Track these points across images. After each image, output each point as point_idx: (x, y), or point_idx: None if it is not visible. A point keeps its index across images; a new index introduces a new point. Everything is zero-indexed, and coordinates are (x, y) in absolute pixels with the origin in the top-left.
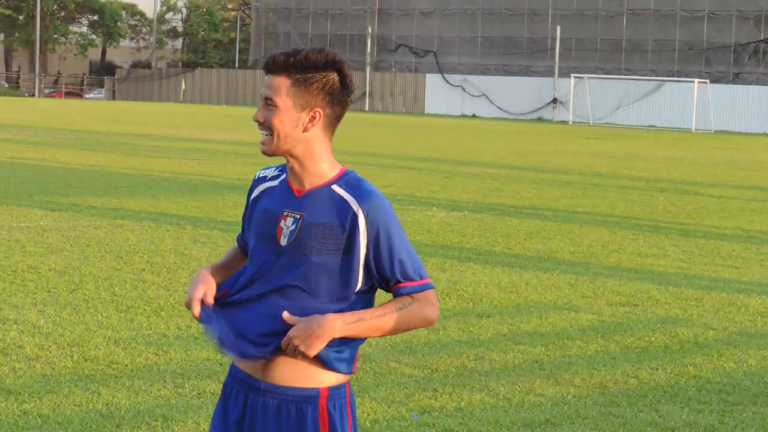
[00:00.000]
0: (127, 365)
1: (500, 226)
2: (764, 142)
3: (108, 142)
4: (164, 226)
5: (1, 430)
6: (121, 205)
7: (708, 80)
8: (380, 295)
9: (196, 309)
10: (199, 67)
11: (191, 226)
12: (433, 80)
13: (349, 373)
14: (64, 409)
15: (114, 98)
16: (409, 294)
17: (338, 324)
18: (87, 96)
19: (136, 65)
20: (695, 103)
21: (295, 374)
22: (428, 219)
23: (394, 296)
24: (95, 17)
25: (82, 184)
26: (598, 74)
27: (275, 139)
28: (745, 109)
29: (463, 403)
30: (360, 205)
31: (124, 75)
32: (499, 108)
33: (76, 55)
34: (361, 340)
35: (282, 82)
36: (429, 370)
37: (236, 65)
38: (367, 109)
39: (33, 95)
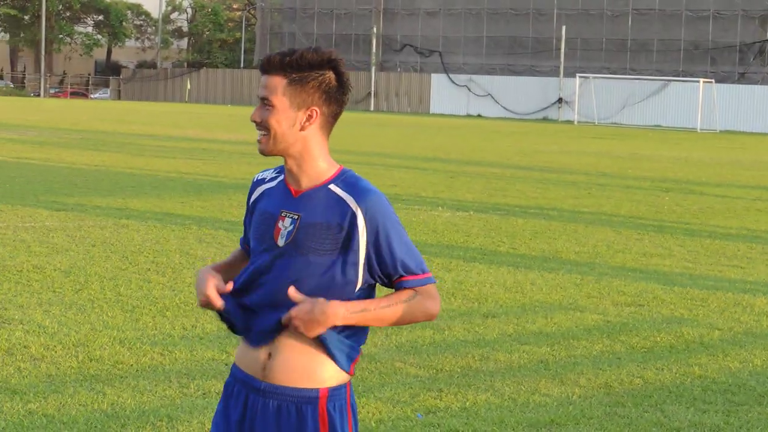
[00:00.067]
0: (132, 365)
1: (505, 226)
2: None
3: (113, 142)
4: (169, 226)
5: (7, 429)
6: (127, 205)
7: (713, 80)
8: (380, 289)
9: (218, 301)
10: (205, 67)
11: (196, 226)
12: (438, 80)
13: (348, 368)
14: (69, 409)
15: (119, 98)
16: (412, 288)
17: (341, 312)
18: (92, 96)
19: (141, 65)
20: (700, 102)
21: (295, 375)
22: (433, 219)
23: (397, 290)
24: (100, 17)
25: (88, 184)
26: (604, 74)
27: (272, 138)
28: (751, 109)
29: (468, 403)
30: (358, 203)
31: (129, 75)
32: (505, 108)
33: (81, 55)
34: (364, 337)
35: (278, 82)
36: (434, 370)
37: (241, 65)
38: (372, 109)
39: (38, 95)
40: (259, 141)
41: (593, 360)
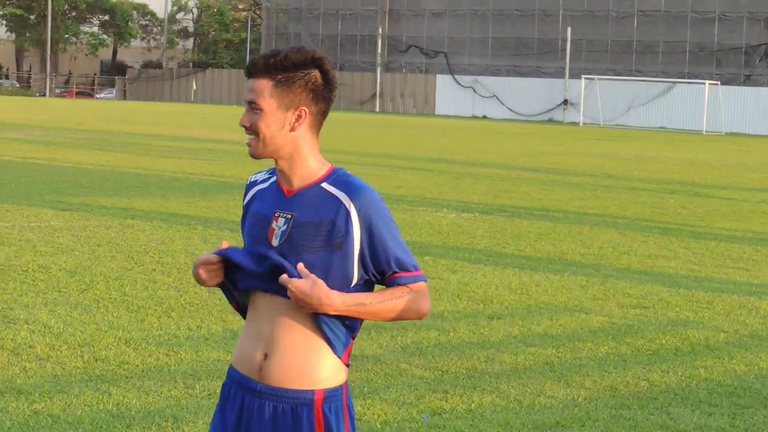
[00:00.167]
0: (137, 365)
1: (511, 228)
2: None
3: (119, 142)
4: (175, 226)
5: (12, 429)
6: (132, 205)
7: (719, 82)
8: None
9: (212, 256)
10: (210, 68)
11: (202, 226)
12: (443, 81)
13: (342, 354)
14: (75, 409)
15: (125, 98)
16: (405, 284)
17: (338, 303)
18: (98, 96)
19: (146, 65)
20: (706, 104)
21: (290, 375)
22: (438, 220)
23: (389, 286)
24: (106, 17)
25: (93, 184)
26: (609, 75)
27: (261, 141)
28: (756, 111)
29: (473, 405)
30: (351, 200)
31: (134, 75)
32: (510, 109)
33: (87, 54)
34: (357, 329)
35: (264, 85)
36: (439, 372)
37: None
38: (377, 110)
39: (44, 95)
40: (248, 144)
41: (598, 362)
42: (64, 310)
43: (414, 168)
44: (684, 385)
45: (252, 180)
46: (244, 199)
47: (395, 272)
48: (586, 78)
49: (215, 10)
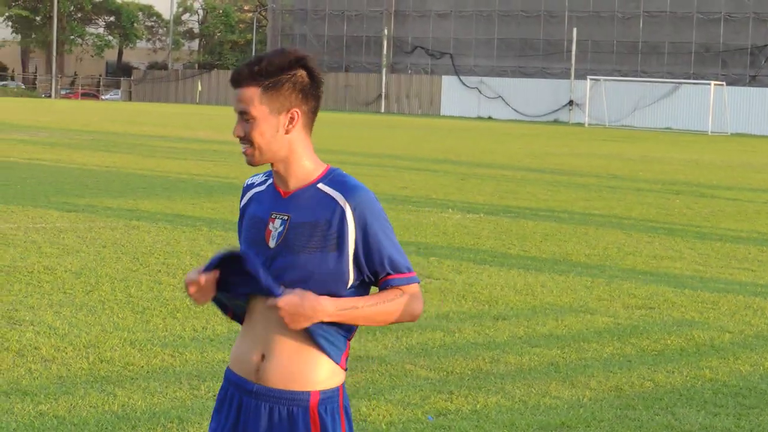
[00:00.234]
0: (142, 367)
1: (516, 229)
2: None
3: (124, 143)
4: (180, 227)
5: (18, 431)
6: (137, 206)
7: (724, 82)
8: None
9: (200, 277)
10: (216, 69)
11: (207, 227)
12: (449, 82)
13: (339, 360)
14: (80, 411)
15: (130, 99)
16: (398, 286)
17: (330, 308)
18: (103, 97)
19: (152, 66)
20: (711, 105)
21: (287, 377)
22: (444, 221)
23: (383, 288)
24: (112, 18)
25: (99, 186)
26: (615, 76)
27: (257, 150)
28: (762, 112)
29: (478, 406)
30: (347, 200)
31: (140, 76)
32: (515, 110)
33: (92, 56)
34: (353, 332)
35: (253, 92)
36: (445, 373)
37: None
38: (382, 110)
39: (49, 96)
40: (245, 153)
41: (604, 363)
42: (69, 312)
43: (419, 169)
44: (689, 386)
45: (249, 183)
46: (240, 202)
47: (389, 274)
48: (591, 79)
49: (221, 11)
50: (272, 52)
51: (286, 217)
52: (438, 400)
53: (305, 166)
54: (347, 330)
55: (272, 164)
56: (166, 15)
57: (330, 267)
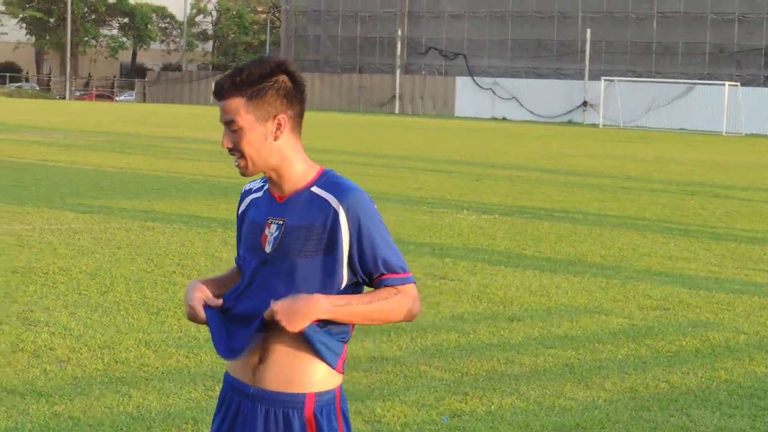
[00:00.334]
0: (157, 368)
1: (531, 230)
2: None
3: (139, 144)
4: (195, 228)
5: (33, 431)
6: (152, 207)
7: (739, 83)
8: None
9: (201, 312)
10: (229, 70)
11: (222, 228)
12: (463, 83)
13: (336, 365)
14: (95, 411)
15: (144, 101)
16: (393, 286)
17: (325, 305)
18: (117, 98)
19: (166, 68)
20: (726, 105)
21: (283, 379)
22: (459, 222)
23: (377, 288)
24: (126, 20)
25: (113, 187)
26: (629, 77)
27: (249, 160)
28: None
29: (493, 407)
30: (340, 202)
31: (154, 77)
32: (530, 111)
33: (106, 57)
34: (349, 335)
35: (238, 103)
36: (459, 374)
37: None
38: (396, 111)
39: (64, 98)
40: (237, 165)
41: (619, 364)
42: (84, 313)
43: (434, 170)
44: (704, 387)
45: (246, 189)
46: (238, 209)
47: (382, 274)
48: (605, 79)
49: (234, 12)
50: (251, 61)
51: (281, 222)
52: (453, 402)
53: (298, 170)
54: (343, 333)
55: (265, 171)
56: (180, 16)
57: (324, 269)
